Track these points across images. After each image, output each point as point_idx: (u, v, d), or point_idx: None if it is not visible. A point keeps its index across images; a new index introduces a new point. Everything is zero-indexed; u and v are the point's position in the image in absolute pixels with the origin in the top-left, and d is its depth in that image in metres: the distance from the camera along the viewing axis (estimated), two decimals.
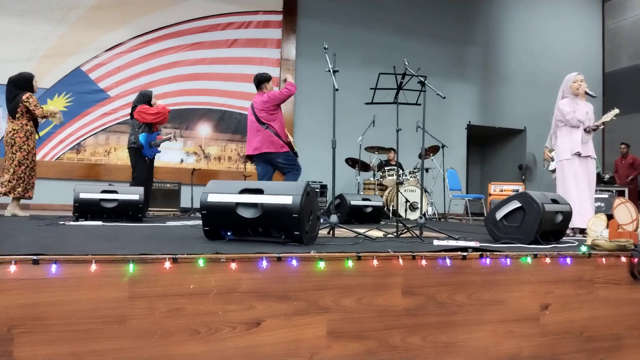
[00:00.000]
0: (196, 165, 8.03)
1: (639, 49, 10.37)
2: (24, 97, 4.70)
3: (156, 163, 7.85)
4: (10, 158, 4.69)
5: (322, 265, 1.98)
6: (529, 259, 2.37)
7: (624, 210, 2.93)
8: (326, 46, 3.46)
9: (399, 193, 6.94)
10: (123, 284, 1.71)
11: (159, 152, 5.36)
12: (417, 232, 3.32)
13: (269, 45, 8.66)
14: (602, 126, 4.32)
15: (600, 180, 8.65)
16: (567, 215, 3.16)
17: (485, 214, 5.84)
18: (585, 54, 10.99)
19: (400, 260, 2.11)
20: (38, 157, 7.36)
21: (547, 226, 2.95)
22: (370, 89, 3.54)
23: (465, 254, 2.26)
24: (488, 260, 2.29)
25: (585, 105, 4.34)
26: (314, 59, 8.72)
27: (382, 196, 7.37)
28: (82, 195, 4.05)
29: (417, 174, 7.49)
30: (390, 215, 7.00)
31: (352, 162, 7.53)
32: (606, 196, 7.01)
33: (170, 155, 7.91)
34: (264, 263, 1.90)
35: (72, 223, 3.71)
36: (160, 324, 1.73)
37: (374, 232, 3.49)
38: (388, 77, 3.53)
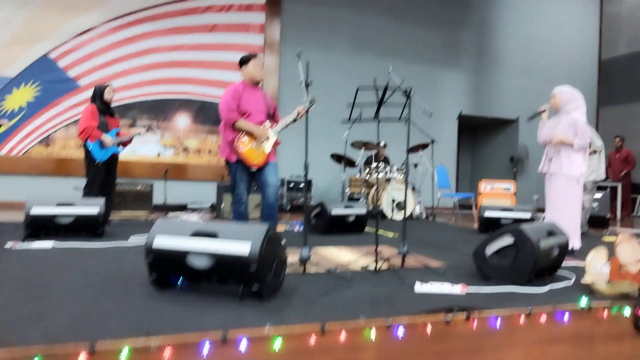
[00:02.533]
0: (174, 159, 7.65)
1: (637, 36, 10.01)
2: None
3: (130, 158, 7.51)
4: None
5: (278, 344, 1.67)
6: (522, 318, 2.07)
7: (628, 247, 2.63)
8: (300, 52, 3.03)
9: (385, 193, 6.63)
10: None
11: (119, 151, 4.88)
12: (400, 261, 3.02)
13: (251, 30, 8.17)
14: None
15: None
16: (564, 248, 2.86)
17: (475, 211, 5.55)
18: (582, 41, 10.60)
19: (374, 334, 1.79)
20: (3, 152, 6.95)
21: (542, 264, 2.65)
22: (348, 105, 3.14)
23: (449, 317, 1.95)
24: (475, 322, 1.99)
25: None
26: (299, 44, 8.21)
27: (368, 194, 7.07)
28: (35, 211, 3.68)
29: (406, 169, 7.16)
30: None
31: (338, 158, 7.19)
32: (600, 196, 6.75)
33: (146, 149, 7.50)
34: (206, 347, 1.58)
35: (17, 247, 3.35)
36: None
37: (352, 255, 3.17)
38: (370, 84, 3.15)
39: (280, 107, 8.00)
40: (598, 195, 6.74)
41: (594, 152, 5.67)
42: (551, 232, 2.78)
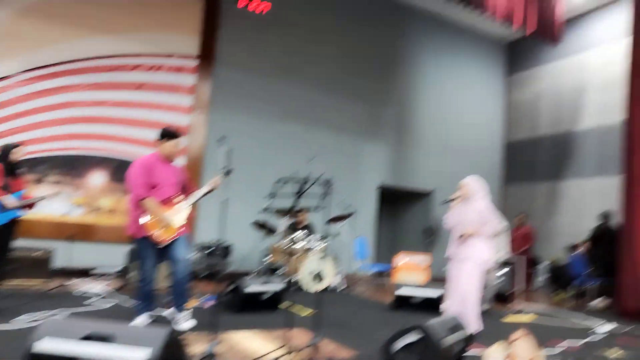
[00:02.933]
0: (84, 219, 7.20)
1: (536, 122, 11.22)
2: None
3: (33, 217, 6.92)
4: None
5: None
6: None
7: (524, 345, 2.81)
8: (223, 139, 3.06)
9: (305, 263, 6.64)
10: None
11: (20, 215, 4.52)
12: (312, 352, 2.99)
13: (180, 91, 8.15)
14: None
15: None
16: (466, 342, 3.00)
17: (391, 284, 5.70)
18: (491, 123, 11.70)
19: None
20: None
21: (446, 358, 2.75)
22: (264, 197, 3.19)
23: None
24: None
25: None
26: (229, 108, 8.36)
27: (288, 263, 7.04)
28: None
29: (327, 239, 7.27)
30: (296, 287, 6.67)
31: (259, 226, 7.15)
32: (504, 272, 7.21)
33: (53, 207, 7.01)
34: None
35: None
36: None
37: (263, 342, 3.08)
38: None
39: (205, 168, 7.93)
40: (503, 271, 7.21)
41: (499, 233, 6.12)
42: (455, 327, 2.91)
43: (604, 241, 7.91)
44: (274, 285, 4.73)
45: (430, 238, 10.05)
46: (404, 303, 5.52)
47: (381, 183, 9.87)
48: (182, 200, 3.76)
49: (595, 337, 4.73)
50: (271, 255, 7.34)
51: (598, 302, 7.38)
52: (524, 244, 9.63)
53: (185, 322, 3.78)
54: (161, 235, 3.57)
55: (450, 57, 11.14)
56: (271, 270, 7.18)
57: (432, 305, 5.41)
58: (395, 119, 10.28)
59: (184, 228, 3.74)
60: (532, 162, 11.14)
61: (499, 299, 6.78)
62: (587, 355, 3.89)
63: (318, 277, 6.72)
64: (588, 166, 9.94)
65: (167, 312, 3.99)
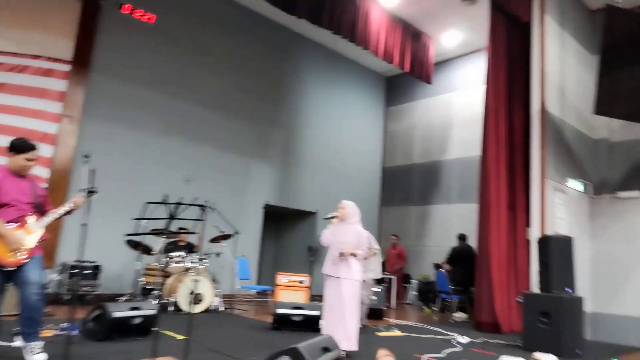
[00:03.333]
0: None
1: (409, 152, 12.21)
2: None
3: None
4: None
5: None
6: None
7: None
8: (87, 157, 2.85)
9: (183, 284, 6.36)
10: None
11: None
12: None
13: (48, 97, 7.39)
14: None
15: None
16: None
17: (271, 305, 5.70)
18: (371, 150, 12.46)
19: None
20: None
21: None
22: (139, 215, 3.03)
23: None
24: None
25: None
26: (103, 118, 7.78)
27: (164, 284, 6.68)
28: None
29: (207, 260, 7.05)
30: (173, 309, 6.35)
31: (133, 245, 6.70)
32: (379, 290, 7.62)
33: None
34: None
35: None
36: None
37: None
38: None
39: (72, 182, 7.24)
40: (377, 289, 7.62)
41: (374, 254, 6.48)
42: (327, 348, 3.00)
43: (461, 260, 8.80)
44: (146, 310, 4.44)
45: (313, 258, 10.28)
46: (284, 322, 5.56)
47: (266, 202, 9.90)
48: (36, 219, 3.39)
49: (455, 347, 5.20)
50: (146, 276, 6.91)
51: (458, 316, 8.15)
52: (397, 263, 10.32)
53: (36, 353, 3.37)
54: (8, 258, 3.18)
55: (336, 85, 11.71)
56: (146, 292, 6.75)
57: (311, 324, 5.51)
58: (282, 141, 10.45)
59: (37, 250, 3.38)
60: (406, 188, 12.06)
61: (374, 315, 7.14)
62: None
63: (197, 298, 6.48)
64: (452, 193, 11.04)
65: (17, 343, 3.53)
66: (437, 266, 9.37)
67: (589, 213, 7.89)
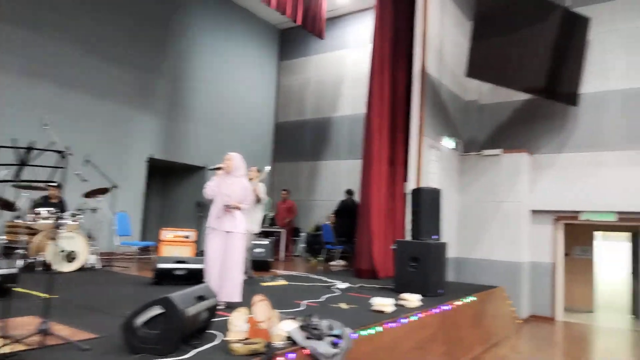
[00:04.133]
0: None
1: (302, 108, 12.28)
2: None
3: None
4: None
5: None
6: None
7: (261, 308, 3.07)
8: None
9: (53, 241, 5.87)
10: None
11: None
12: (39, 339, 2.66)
13: None
14: None
15: (265, 220, 9.63)
16: (213, 310, 3.12)
17: (154, 261, 5.52)
18: (264, 104, 12.30)
19: None
20: None
21: (190, 329, 2.81)
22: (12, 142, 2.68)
23: None
24: None
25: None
26: None
27: (30, 242, 6.11)
28: None
29: (81, 216, 6.56)
30: (41, 268, 5.85)
31: None
32: (267, 242, 7.75)
33: None
34: None
35: None
36: None
37: None
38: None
39: None
40: (265, 241, 7.75)
41: (259, 207, 6.51)
42: (202, 297, 2.99)
43: (347, 213, 9.27)
44: (5, 268, 4.04)
45: (202, 213, 10.07)
46: (166, 277, 5.42)
47: (151, 156, 9.38)
48: None
49: (334, 293, 5.52)
50: (8, 234, 6.25)
51: (335, 264, 8.69)
52: (287, 217, 10.54)
53: None
54: None
55: (227, 35, 11.21)
56: (8, 251, 6.11)
57: (195, 277, 5.45)
58: (168, 91, 9.85)
59: None
60: (297, 143, 12.19)
61: (261, 267, 7.28)
62: (325, 308, 4.51)
63: (69, 256, 6.06)
64: (342, 149, 11.42)
65: None
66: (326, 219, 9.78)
67: (458, 169, 8.70)
